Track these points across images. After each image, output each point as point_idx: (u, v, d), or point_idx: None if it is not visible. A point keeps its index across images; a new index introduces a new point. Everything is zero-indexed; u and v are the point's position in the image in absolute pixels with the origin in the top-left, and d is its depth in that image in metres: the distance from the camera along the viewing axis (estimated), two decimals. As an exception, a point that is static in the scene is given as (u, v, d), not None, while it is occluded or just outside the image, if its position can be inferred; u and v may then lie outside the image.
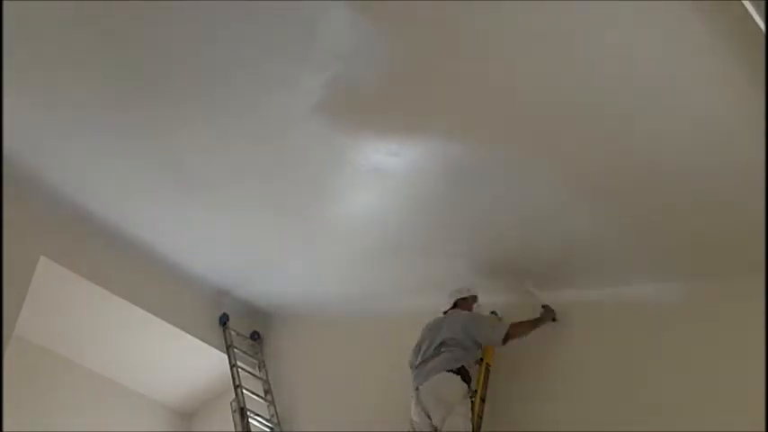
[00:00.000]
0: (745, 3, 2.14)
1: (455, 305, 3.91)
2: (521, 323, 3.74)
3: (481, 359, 3.84)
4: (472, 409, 3.61)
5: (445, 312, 3.91)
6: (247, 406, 4.83)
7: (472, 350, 3.72)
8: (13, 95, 3.61)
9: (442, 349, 3.67)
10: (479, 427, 3.57)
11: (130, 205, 4.48)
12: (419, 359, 3.74)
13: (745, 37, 2.32)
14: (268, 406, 5.04)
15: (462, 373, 3.63)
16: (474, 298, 3.97)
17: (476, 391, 3.70)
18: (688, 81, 2.64)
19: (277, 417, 4.98)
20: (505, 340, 3.67)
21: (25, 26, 3.26)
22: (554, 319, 3.80)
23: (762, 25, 2.17)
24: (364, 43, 2.97)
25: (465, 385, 3.61)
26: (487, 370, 3.81)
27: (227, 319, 5.26)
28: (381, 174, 3.61)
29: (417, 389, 3.64)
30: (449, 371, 3.60)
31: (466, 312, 3.88)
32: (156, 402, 5.79)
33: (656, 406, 3.24)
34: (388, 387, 4.06)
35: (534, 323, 3.75)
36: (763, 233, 2.90)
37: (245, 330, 5.37)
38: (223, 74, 3.35)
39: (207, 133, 3.75)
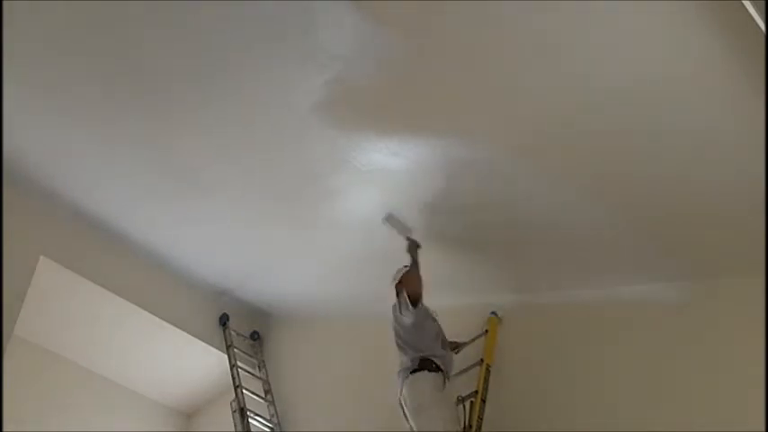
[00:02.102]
0: (745, 3, 2.14)
1: (397, 294, 3.73)
2: (408, 277, 3.64)
3: (481, 359, 3.84)
4: (472, 408, 3.61)
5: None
6: (247, 406, 4.83)
7: (407, 337, 3.60)
8: (13, 95, 3.61)
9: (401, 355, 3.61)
10: (479, 427, 3.57)
11: (130, 205, 4.48)
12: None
13: (745, 37, 2.32)
14: (268, 406, 5.04)
15: (425, 366, 3.49)
16: (407, 268, 3.74)
17: (476, 391, 3.70)
18: (688, 81, 2.64)
19: (277, 417, 4.98)
20: (413, 300, 3.59)
21: (25, 26, 3.26)
22: (418, 246, 3.75)
23: (762, 25, 2.17)
24: (364, 43, 2.97)
25: (433, 376, 3.46)
26: (487, 370, 3.81)
27: (227, 319, 5.26)
28: (381, 173, 3.61)
29: (400, 402, 3.56)
30: (412, 372, 3.49)
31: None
32: (157, 402, 5.79)
33: (655, 406, 3.24)
34: (388, 387, 4.05)
35: (414, 265, 3.70)
36: (763, 233, 2.90)
37: (245, 330, 5.38)
38: (223, 74, 3.34)
39: (207, 133, 3.75)
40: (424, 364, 3.50)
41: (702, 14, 2.37)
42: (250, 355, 5.30)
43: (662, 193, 3.07)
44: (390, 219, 3.82)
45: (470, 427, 3.55)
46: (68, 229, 4.58)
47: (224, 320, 5.25)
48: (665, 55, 2.58)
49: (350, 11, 2.84)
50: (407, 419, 3.49)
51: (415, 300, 3.63)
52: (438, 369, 3.51)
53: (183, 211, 4.40)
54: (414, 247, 3.81)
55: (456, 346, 3.97)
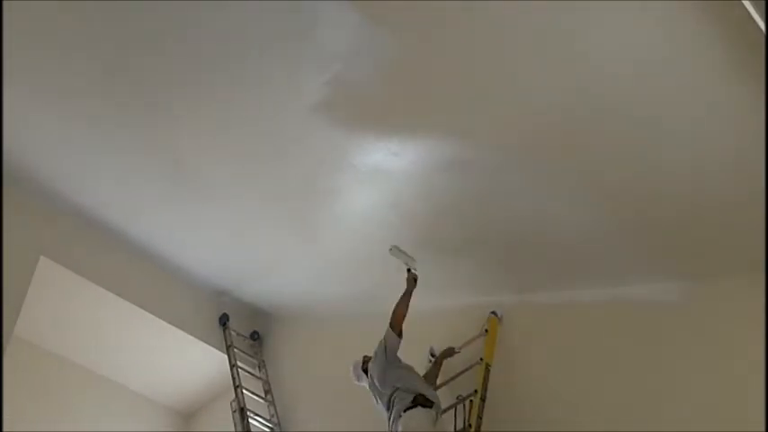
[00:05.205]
0: (745, 3, 2.14)
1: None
2: (397, 309, 3.68)
3: (481, 359, 3.84)
4: (472, 408, 3.61)
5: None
6: (247, 406, 4.83)
7: (390, 374, 3.64)
8: (13, 95, 3.61)
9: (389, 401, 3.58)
10: (479, 427, 3.57)
11: (131, 205, 4.48)
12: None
13: (745, 37, 2.32)
14: (268, 406, 5.04)
15: (419, 401, 3.46)
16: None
17: (476, 390, 3.70)
18: (688, 81, 2.64)
19: (277, 417, 4.98)
20: (396, 329, 3.66)
21: (24, 25, 3.25)
22: (415, 280, 3.76)
23: (762, 25, 2.17)
24: (364, 43, 2.97)
25: (426, 412, 3.43)
26: (487, 370, 3.81)
27: (227, 319, 5.26)
28: (381, 174, 3.61)
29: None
30: (405, 410, 3.45)
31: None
32: (156, 402, 5.79)
33: (655, 406, 3.24)
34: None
35: (406, 296, 3.72)
36: (763, 233, 2.90)
37: (245, 330, 5.38)
38: (223, 74, 3.35)
39: (207, 133, 3.75)
40: (417, 400, 3.47)
41: (702, 15, 2.37)
42: (250, 355, 5.30)
43: (662, 193, 3.07)
44: (395, 250, 3.82)
45: (470, 426, 3.56)
46: (68, 229, 4.58)
47: (224, 320, 5.25)
48: (665, 56, 2.58)
49: (349, 11, 2.85)
50: None
51: (397, 328, 3.68)
52: (430, 405, 3.48)
53: (183, 211, 4.40)
54: (412, 279, 3.80)
55: (451, 354, 4.00)
